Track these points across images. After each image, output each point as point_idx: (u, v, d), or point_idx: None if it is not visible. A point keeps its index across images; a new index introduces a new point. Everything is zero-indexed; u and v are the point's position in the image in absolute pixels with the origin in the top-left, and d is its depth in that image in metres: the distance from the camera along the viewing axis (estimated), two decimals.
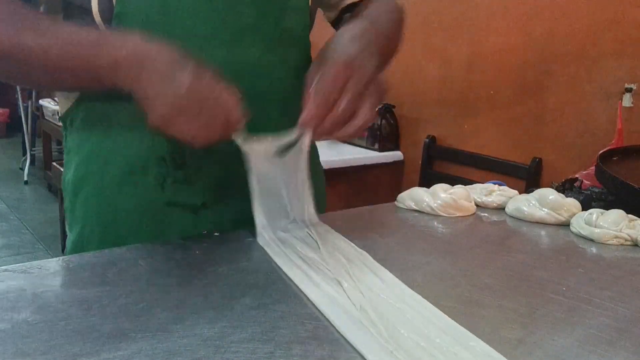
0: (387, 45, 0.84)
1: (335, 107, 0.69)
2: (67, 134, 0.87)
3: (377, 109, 0.80)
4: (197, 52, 0.72)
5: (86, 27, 0.75)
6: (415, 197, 0.92)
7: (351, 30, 0.76)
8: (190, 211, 0.82)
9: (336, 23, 0.96)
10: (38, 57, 0.72)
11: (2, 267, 0.63)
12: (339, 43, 0.74)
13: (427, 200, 0.91)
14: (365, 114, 0.71)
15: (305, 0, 0.86)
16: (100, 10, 0.75)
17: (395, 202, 0.95)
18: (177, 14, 0.77)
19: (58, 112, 0.96)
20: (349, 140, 2.64)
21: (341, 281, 0.62)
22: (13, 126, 6.43)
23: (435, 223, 0.87)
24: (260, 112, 0.75)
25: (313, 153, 0.93)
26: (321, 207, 0.91)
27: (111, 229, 0.82)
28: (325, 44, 0.76)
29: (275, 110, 0.83)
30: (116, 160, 0.81)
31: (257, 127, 0.73)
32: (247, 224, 0.78)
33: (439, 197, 0.91)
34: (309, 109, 0.69)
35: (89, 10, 0.76)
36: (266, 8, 0.81)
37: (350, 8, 0.93)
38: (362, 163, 2.50)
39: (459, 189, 0.94)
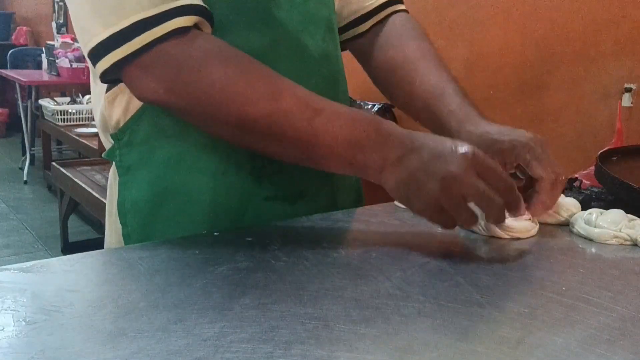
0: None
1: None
2: (123, 152, 0.78)
3: None
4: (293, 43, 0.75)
5: (346, 107, 0.71)
6: None
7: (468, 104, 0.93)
8: (289, 202, 0.81)
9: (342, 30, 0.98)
10: (297, 127, 0.66)
11: (2, 267, 0.63)
12: (486, 125, 0.85)
13: None
14: None
15: None
16: None
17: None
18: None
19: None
20: None
21: None
22: (12, 126, 6.42)
23: None
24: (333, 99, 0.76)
25: None
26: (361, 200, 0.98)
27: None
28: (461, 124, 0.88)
29: (344, 97, 0.90)
30: (204, 165, 0.76)
31: None
32: (338, 208, 0.82)
33: None
34: (545, 202, 0.78)
35: None
36: None
37: (362, 20, 0.96)
38: None
39: None
